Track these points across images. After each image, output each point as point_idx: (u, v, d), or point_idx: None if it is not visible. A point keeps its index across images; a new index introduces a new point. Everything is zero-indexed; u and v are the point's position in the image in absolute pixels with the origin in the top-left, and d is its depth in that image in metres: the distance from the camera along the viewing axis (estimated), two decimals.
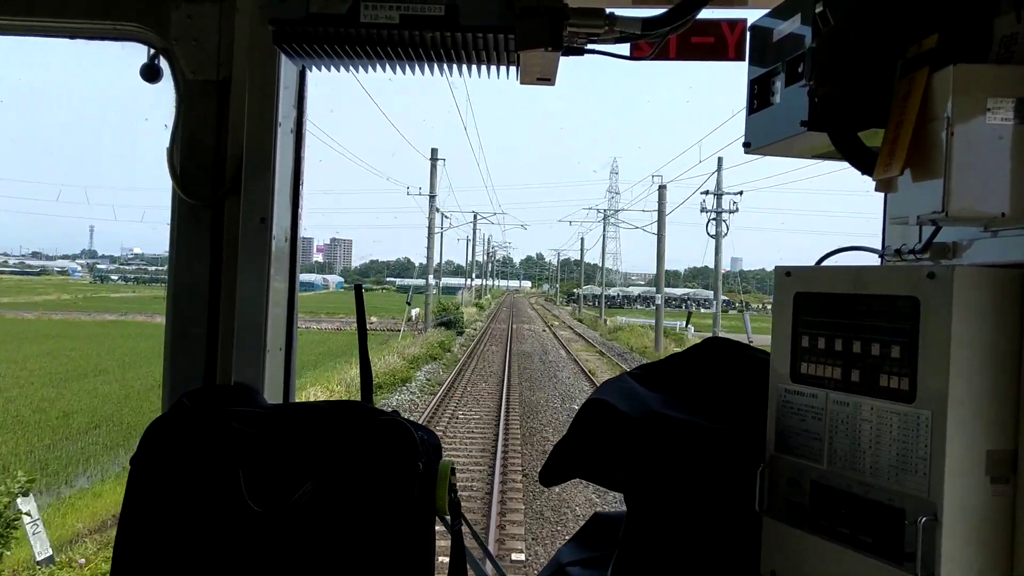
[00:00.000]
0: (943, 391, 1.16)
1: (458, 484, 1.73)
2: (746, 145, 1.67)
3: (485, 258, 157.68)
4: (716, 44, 2.23)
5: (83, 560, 9.95)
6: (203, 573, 1.59)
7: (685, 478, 1.53)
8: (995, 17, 1.30)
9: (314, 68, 2.02)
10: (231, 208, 2.04)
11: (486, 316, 74.70)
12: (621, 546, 1.64)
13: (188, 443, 1.64)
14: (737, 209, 43.16)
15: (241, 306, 1.99)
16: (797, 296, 1.41)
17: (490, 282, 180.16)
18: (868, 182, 1.37)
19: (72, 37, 2.15)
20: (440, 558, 1.75)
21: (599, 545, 1.84)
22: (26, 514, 9.11)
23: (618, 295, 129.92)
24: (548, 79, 2.00)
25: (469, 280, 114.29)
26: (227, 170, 2.05)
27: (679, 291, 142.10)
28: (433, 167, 47.57)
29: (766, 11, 1.64)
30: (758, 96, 1.64)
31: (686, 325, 51.78)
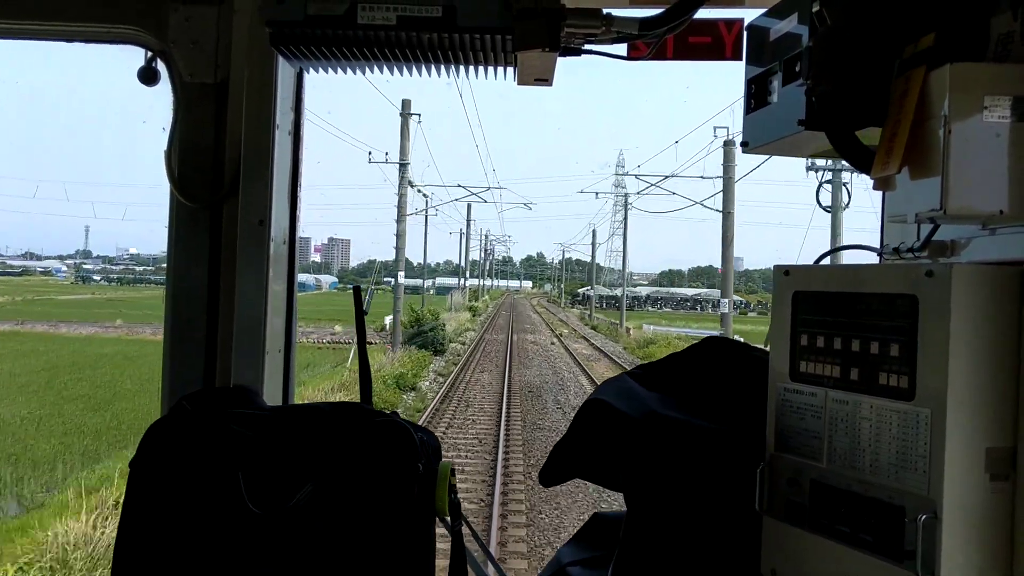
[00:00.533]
0: (942, 389, 1.16)
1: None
2: (744, 144, 1.67)
3: (482, 255, 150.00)
4: (713, 44, 2.24)
5: None
6: (203, 575, 1.59)
7: (685, 478, 1.53)
8: (992, 16, 1.30)
9: (312, 70, 2.02)
10: (229, 210, 2.04)
11: (481, 324, 63.16)
12: (621, 546, 1.64)
13: (188, 445, 1.64)
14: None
15: (240, 308, 1.99)
16: (796, 295, 1.41)
17: (489, 282, 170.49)
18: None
19: (69, 40, 2.15)
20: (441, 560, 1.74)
21: (599, 545, 1.84)
22: None
23: (623, 295, 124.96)
24: (546, 80, 2.00)
25: (463, 280, 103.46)
26: (225, 172, 2.04)
27: (689, 291, 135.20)
28: (404, 124, 34.67)
29: (763, 10, 1.64)
30: (755, 95, 1.64)
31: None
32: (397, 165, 34.97)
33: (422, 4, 1.74)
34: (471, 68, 1.94)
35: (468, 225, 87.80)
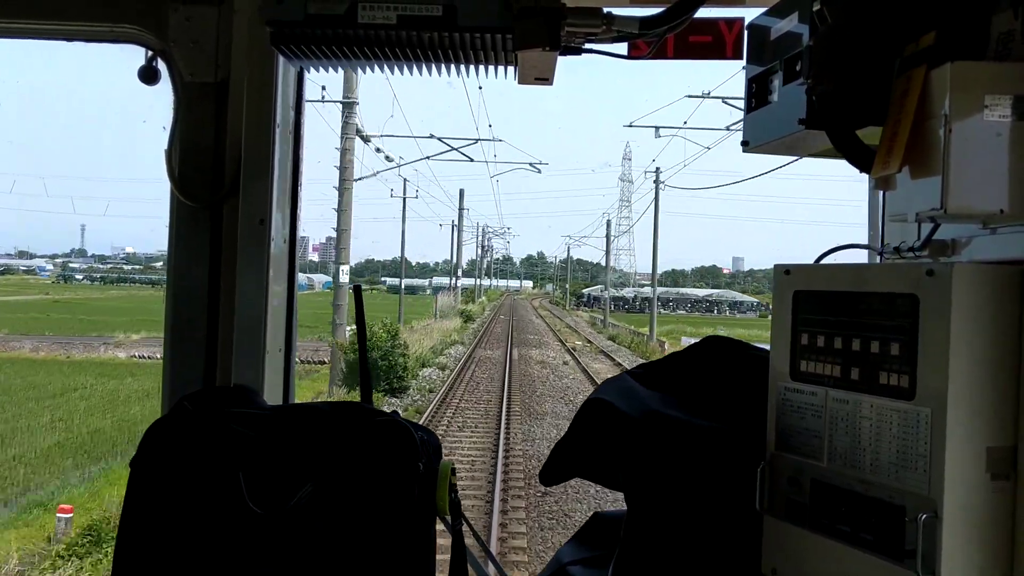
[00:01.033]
0: (943, 388, 1.16)
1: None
2: (744, 143, 1.67)
3: (479, 250, 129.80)
4: (714, 43, 2.24)
5: None
6: (203, 575, 1.59)
7: (685, 477, 1.53)
8: (992, 14, 1.30)
9: (312, 69, 2.02)
10: (230, 210, 2.04)
11: (473, 333, 49.73)
12: (621, 545, 1.64)
13: (188, 445, 1.64)
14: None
15: (240, 308, 1.99)
16: (796, 294, 1.41)
17: (487, 281, 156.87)
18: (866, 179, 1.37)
19: (70, 39, 2.15)
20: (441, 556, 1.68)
21: (599, 544, 1.84)
22: None
23: (635, 297, 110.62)
24: (546, 79, 2.00)
25: (454, 279, 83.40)
26: (226, 172, 2.05)
27: (701, 292, 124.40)
28: None
29: (764, 9, 1.64)
30: (756, 95, 1.64)
31: None
32: (339, 105, 23.52)
33: (422, 3, 1.74)
34: (471, 67, 1.95)
35: (460, 216, 69.41)
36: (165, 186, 2.09)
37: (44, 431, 20.21)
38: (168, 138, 2.07)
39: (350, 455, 1.60)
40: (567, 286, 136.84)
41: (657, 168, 47.96)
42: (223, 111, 2.05)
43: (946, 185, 1.20)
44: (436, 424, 18.74)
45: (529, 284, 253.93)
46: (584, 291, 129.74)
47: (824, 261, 1.52)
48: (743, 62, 1.73)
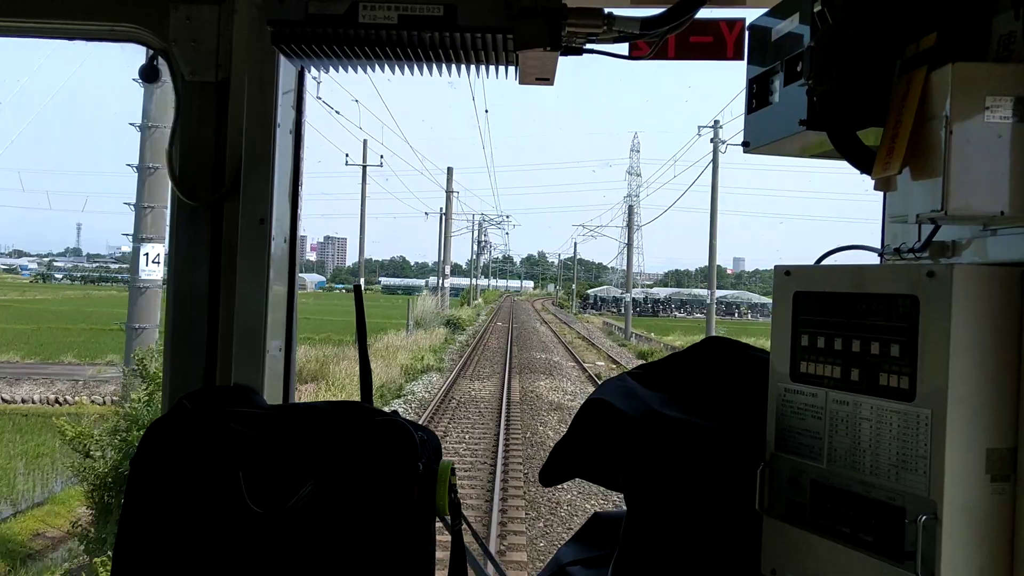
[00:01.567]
0: (943, 390, 1.16)
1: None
2: (745, 144, 1.67)
3: (474, 245, 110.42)
4: (715, 43, 2.23)
5: None
6: (203, 574, 1.59)
7: (685, 477, 1.53)
8: (993, 15, 1.30)
9: (313, 69, 2.02)
10: (230, 209, 2.04)
11: (458, 351, 34.54)
12: (621, 546, 1.64)
13: (188, 444, 1.64)
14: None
15: (240, 307, 1.99)
16: (797, 295, 1.41)
17: (484, 281, 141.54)
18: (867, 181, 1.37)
19: (71, 38, 2.15)
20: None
21: (599, 545, 1.84)
22: None
23: (645, 298, 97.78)
24: (547, 79, 2.00)
25: (440, 278, 59.84)
26: (226, 171, 2.05)
27: (718, 293, 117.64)
28: None
29: (764, 10, 1.64)
30: (757, 95, 1.64)
31: None
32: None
33: (423, 3, 1.74)
34: (472, 67, 1.95)
35: (448, 200, 52.49)
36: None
37: None
38: (168, 137, 2.08)
39: (350, 455, 1.60)
40: (573, 287, 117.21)
41: (716, 121, 37.45)
42: (224, 110, 2.05)
43: (947, 186, 1.20)
44: None
45: (530, 285, 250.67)
46: (589, 292, 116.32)
47: (824, 262, 1.52)
48: (744, 63, 1.73)
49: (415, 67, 1.93)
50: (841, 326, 1.32)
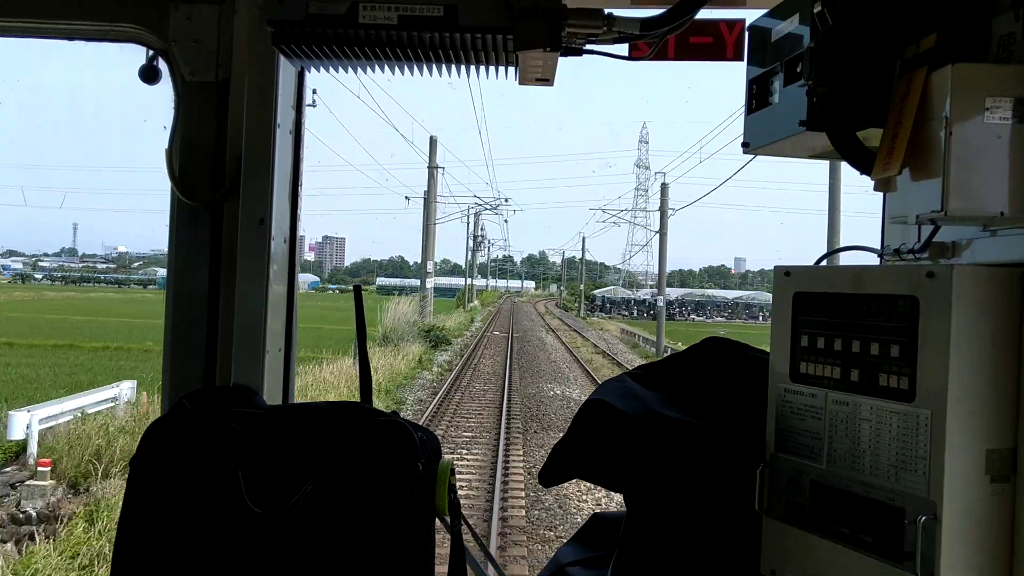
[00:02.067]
0: (942, 390, 1.16)
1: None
2: (745, 145, 1.67)
3: (469, 238, 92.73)
4: (715, 44, 2.23)
5: None
6: (203, 574, 1.59)
7: (684, 478, 1.53)
8: (993, 16, 1.30)
9: (313, 69, 2.02)
10: (230, 209, 2.04)
11: (432, 385, 22.63)
12: (621, 546, 1.64)
13: (188, 444, 1.64)
14: None
15: (240, 307, 1.99)
16: (796, 296, 1.41)
17: (482, 281, 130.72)
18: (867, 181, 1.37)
19: (70, 38, 2.15)
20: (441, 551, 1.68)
21: (599, 545, 1.84)
22: None
23: (653, 300, 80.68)
24: (547, 79, 2.00)
25: (424, 277, 44.41)
26: (226, 171, 2.04)
27: (730, 294, 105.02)
28: None
29: (764, 11, 1.64)
30: (757, 96, 1.64)
31: None
32: None
33: (423, 4, 1.74)
34: (472, 68, 1.95)
35: (432, 176, 41.74)
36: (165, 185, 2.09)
37: None
38: (168, 137, 2.07)
39: (350, 455, 1.60)
40: (581, 287, 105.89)
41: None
42: (224, 110, 2.05)
43: (946, 187, 1.20)
44: None
45: (531, 285, 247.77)
46: (596, 293, 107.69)
47: (824, 263, 1.53)
48: (744, 63, 1.73)
49: (415, 67, 1.93)
50: (841, 327, 1.32)
